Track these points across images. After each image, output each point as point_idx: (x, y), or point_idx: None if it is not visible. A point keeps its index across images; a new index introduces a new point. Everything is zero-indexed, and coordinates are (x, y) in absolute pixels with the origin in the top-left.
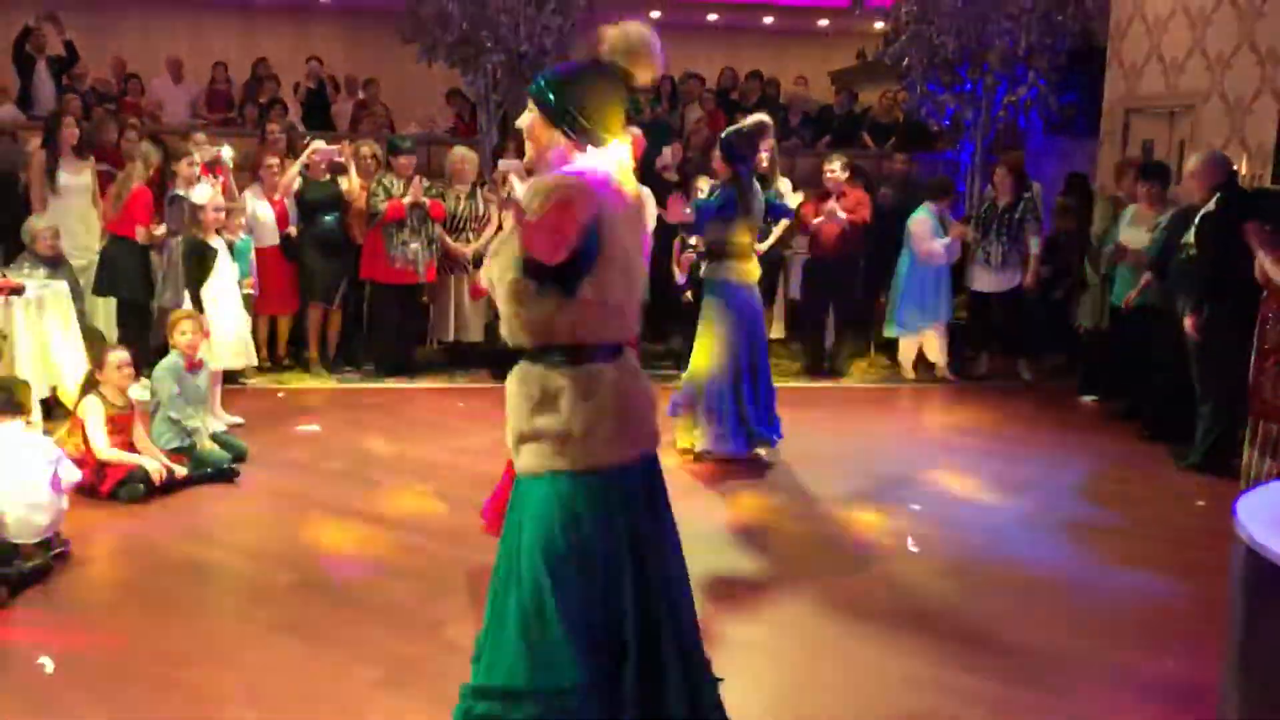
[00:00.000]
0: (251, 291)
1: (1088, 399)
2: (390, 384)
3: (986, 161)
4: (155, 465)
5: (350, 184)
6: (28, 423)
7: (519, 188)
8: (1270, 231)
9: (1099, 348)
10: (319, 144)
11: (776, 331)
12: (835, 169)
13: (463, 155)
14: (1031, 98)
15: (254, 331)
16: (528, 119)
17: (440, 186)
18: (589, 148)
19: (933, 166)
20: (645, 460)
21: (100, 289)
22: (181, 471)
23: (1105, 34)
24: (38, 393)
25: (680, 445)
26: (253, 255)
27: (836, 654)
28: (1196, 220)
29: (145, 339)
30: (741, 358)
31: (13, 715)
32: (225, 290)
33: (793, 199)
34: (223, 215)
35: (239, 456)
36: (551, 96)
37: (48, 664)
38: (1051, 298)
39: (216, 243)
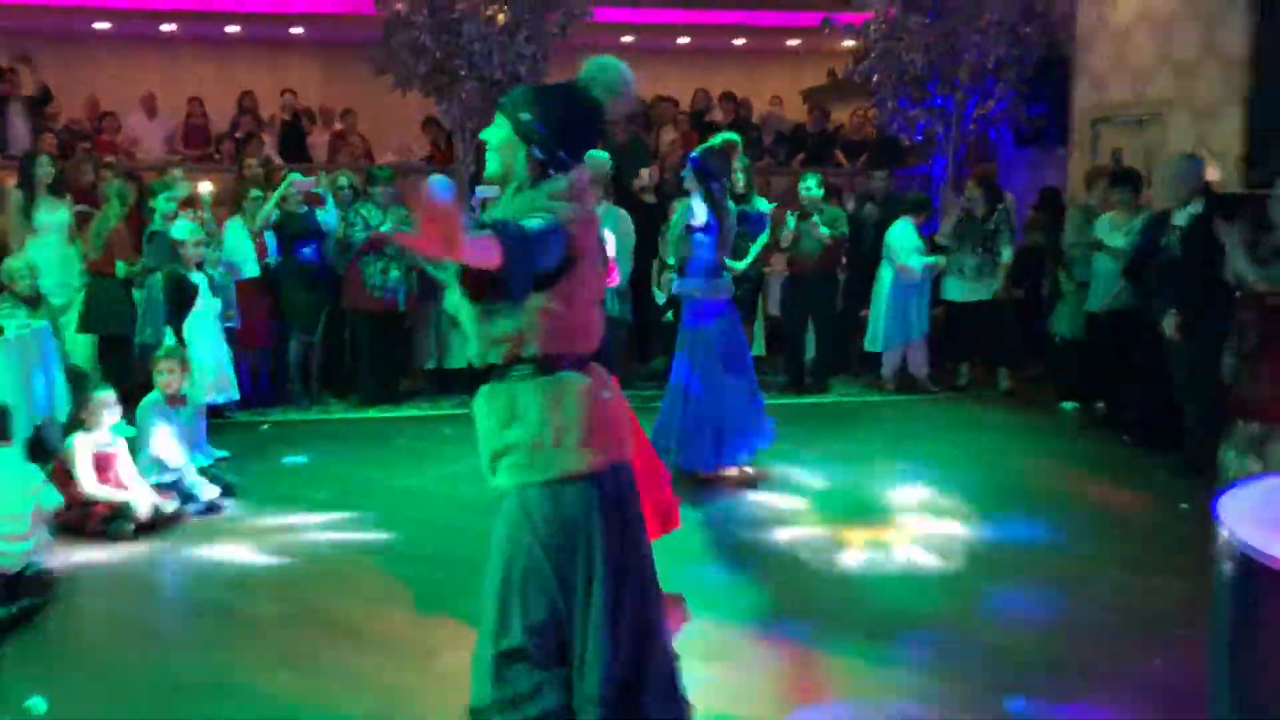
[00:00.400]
0: (233, 324)
1: (1067, 406)
2: (376, 413)
3: (958, 175)
4: (143, 501)
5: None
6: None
7: None
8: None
9: (1076, 355)
10: (295, 176)
11: (757, 348)
12: (810, 187)
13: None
14: (1001, 110)
15: (236, 364)
16: (497, 134)
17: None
18: (552, 170)
19: (906, 181)
20: (615, 469)
21: (84, 326)
22: (169, 507)
23: (1072, 45)
24: (21, 433)
25: None
26: (233, 289)
27: (822, 665)
28: (1182, 224)
29: (128, 376)
30: (694, 375)
31: None
32: (206, 324)
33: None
34: (202, 250)
35: (226, 490)
36: (525, 115)
37: (40, 704)
38: (1015, 300)
39: (197, 277)
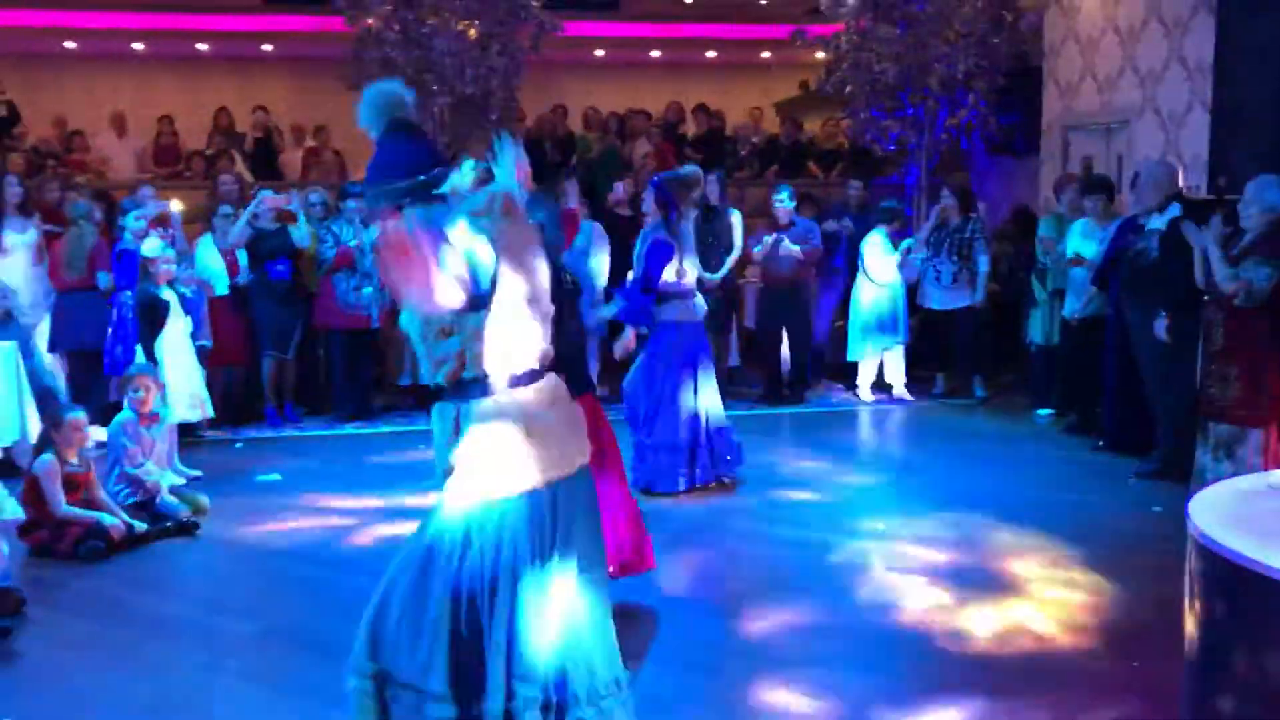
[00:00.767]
0: (205, 342)
1: (1042, 413)
2: (350, 430)
3: (932, 184)
4: (114, 521)
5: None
6: None
7: None
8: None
9: (1050, 362)
10: (266, 194)
11: (733, 359)
12: (783, 199)
13: None
14: (972, 120)
15: (209, 383)
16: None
17: None
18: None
19: (880, 191)
20: (555, 487)
21: (55, 345)
22: (141, 527)
23: (1040, 55)
24: None
25: None
26: (205, 307)
27: (804, 672)
28: (1160, 228)
29: (99, 394)
30: (649, 395)
31: None
32: (177, 343)
33: (739, 233)
34: (173, 268)
35: (199, 509)
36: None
37: None
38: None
39: (167, 295)
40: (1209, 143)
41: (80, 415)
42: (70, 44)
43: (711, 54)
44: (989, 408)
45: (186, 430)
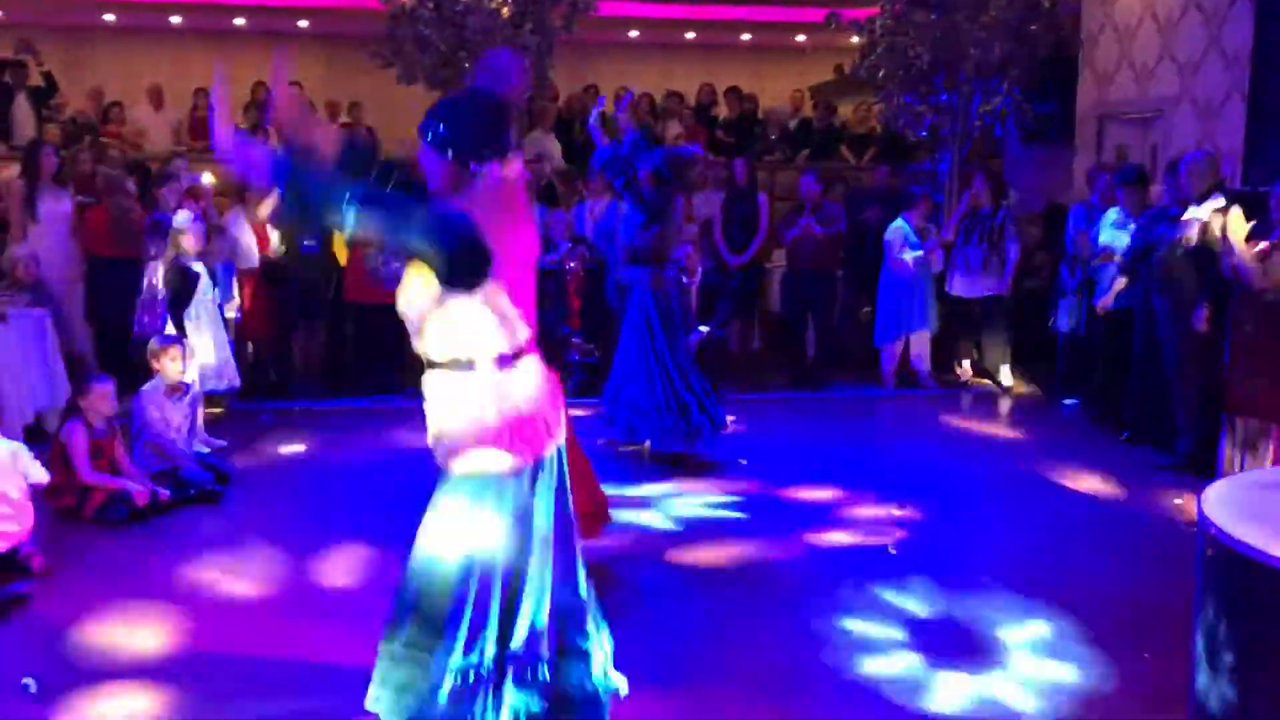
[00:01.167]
0: (234, 315)
1: (1068, 403)
2: (377, 404)
3: (964, 171)
4: (139, 488)
5: None
6: None
7: None
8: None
9: (1078, 351)
10: None
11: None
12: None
13: None
14: (1006, 107)
15: (237, 354)
16: (420, 153)
17: None
18: (471, 166)
19: (912, 178)
20: (538, 463)
21: (91, 313)
22: (165, 494)
23: (1077, 43)
24: (20, 420)
25: None
26: (235, 278)
27: (818, 657)
28: (1204, 218)
29: (129, 363)
30: (632, 355)
31: None
32: (206, 313)
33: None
34: (203, 240)
35: (223, 478)
36: (436, 127)
37: (31, 684)
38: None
39: (197, 267)
40: (1245, 134)
41: (107, 383)
42: (109, 17)
43: (746, 37)
44: (1014, 396)
45: (213, 400)
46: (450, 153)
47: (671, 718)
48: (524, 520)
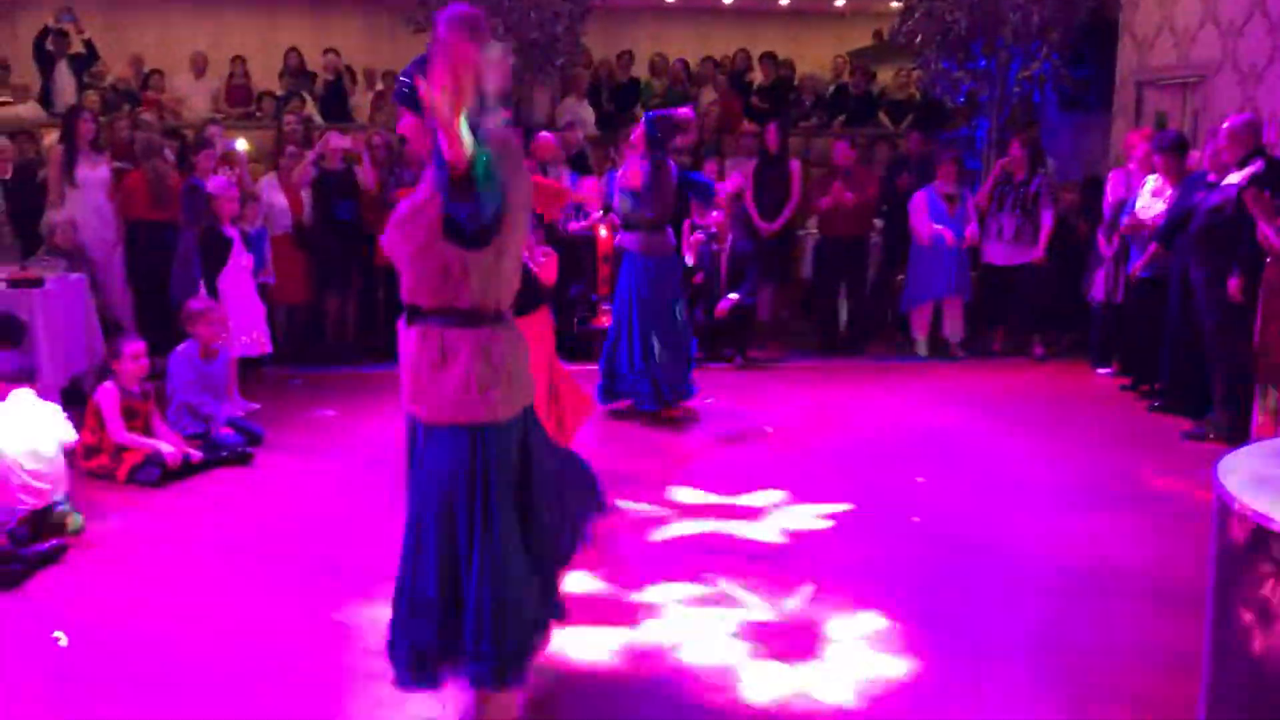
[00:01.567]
0: (267, 279)
1: (1102, 372)
2: None
3: (1002, 138)
4: (171, 449)
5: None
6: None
7: None
8: (1271, 200)
9: (1112, 320)
10: (333, 135)
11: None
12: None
13: None
14: (1045, 73)
15: (270, 318)
16: (406, 125)
17: None
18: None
19: (946, 144)
20: (525, 411)
21: (133, 278)
22: (197, 455)
23: (1117, 7)
24: (57, 382)
25: None
26: (268, 244)
27: (836, 622)
28: (1240, 183)
29: (166, 327)
30: (626, 322)
31: (32, 686)
32: (240, 279)
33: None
34: (237, 205)
35: (254, 441)
36: (400, 90)
37: (62, 638)
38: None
39: (231, 232)
40: None
41: (137, 344)
42: None
43: (784, 1)
44: (1047, 366)
45: (246, 365)
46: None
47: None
48: (503, 472)
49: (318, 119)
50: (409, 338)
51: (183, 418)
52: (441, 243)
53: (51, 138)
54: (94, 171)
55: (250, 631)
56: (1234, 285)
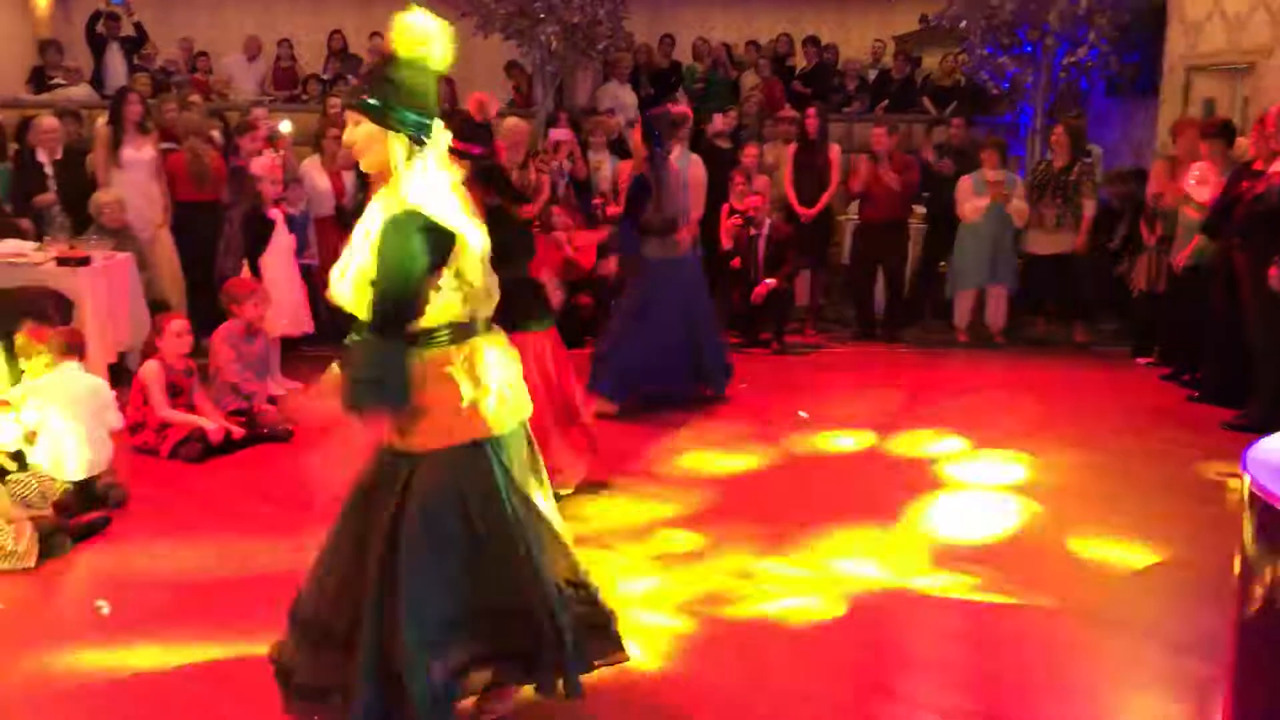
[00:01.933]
0: (310, 261)
1: (1143, 361)
2: None
3: (1047, 125)
4: (213, 426)
5: None
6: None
7: None
8: None
9: (1154, 309)
10: None
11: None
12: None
13: (514, 125)
14: (1092, 59)
15: (312, 300)
16: (359, 133)
17: None
18: (422, 138)
19: (992, 131)
20: (508, 434)
21: (186, 258)
22: (239, 432)
23: None
24: (104, 359)
25: None
26: (311, 226)
27: (865, 602)
28: None
29: (210, 306)
30: (633, 323)
31: (78, 648)
32: (282, 259)
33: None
34: (280, 187)
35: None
36: (381, 103)
37: (104, 606)
38: (1112, 264)
39: (274, 214)
40: None
41: (182, 323)
42: None
43: None
44: (1088, 355)
45: (288, 344)
46: (410, 132)
47: None
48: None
49: None
50: None
51: (225, 395)
52: None
53: (100, 118)
54: (139, 153)
55: (287, 604)
56: (1275, 274)
